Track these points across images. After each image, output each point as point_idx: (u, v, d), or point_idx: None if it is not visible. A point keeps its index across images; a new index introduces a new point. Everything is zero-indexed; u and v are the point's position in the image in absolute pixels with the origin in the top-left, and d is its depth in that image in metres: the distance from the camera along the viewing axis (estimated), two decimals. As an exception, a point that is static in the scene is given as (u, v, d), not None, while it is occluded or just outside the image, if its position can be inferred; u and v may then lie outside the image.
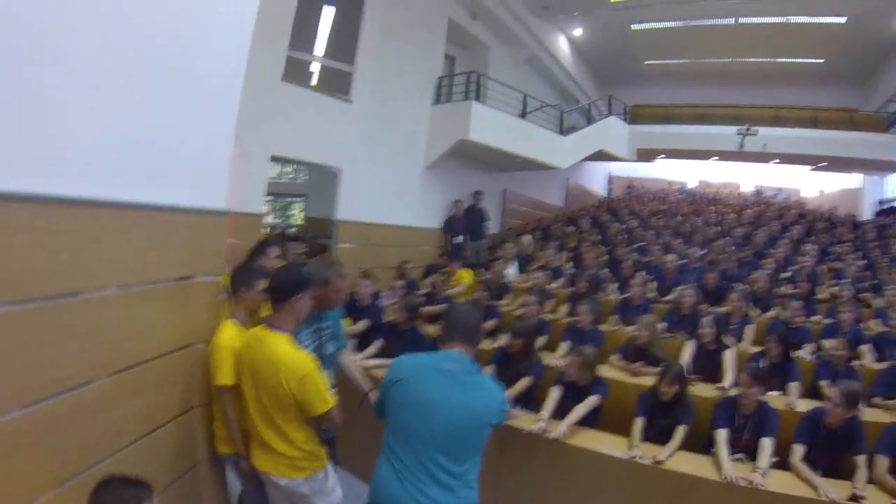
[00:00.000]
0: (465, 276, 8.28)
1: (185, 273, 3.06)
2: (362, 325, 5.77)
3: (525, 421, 4.08)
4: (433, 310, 6.92)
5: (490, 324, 6.31)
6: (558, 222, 13.56)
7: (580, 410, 4.07)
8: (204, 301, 3.28)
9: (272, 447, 2.70)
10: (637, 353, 5.27)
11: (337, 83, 8.60)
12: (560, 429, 3.88)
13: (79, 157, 2.23)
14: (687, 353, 5.32)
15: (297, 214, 13.46)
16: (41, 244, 2.08)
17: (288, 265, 3.52)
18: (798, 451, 3.80)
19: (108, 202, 2.39)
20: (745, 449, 3.94)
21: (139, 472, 2.04)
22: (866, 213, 17.60)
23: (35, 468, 2.10)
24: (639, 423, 4.08)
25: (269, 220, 12.72)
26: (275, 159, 7.98)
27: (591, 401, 4.14)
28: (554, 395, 4.31)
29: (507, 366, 4.75)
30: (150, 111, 2.63)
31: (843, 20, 13.54)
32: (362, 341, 5.76)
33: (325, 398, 2.64)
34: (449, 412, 2.24)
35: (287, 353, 2.63)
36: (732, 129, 15.12)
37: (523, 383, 4.52)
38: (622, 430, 4.14)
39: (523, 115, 11.56)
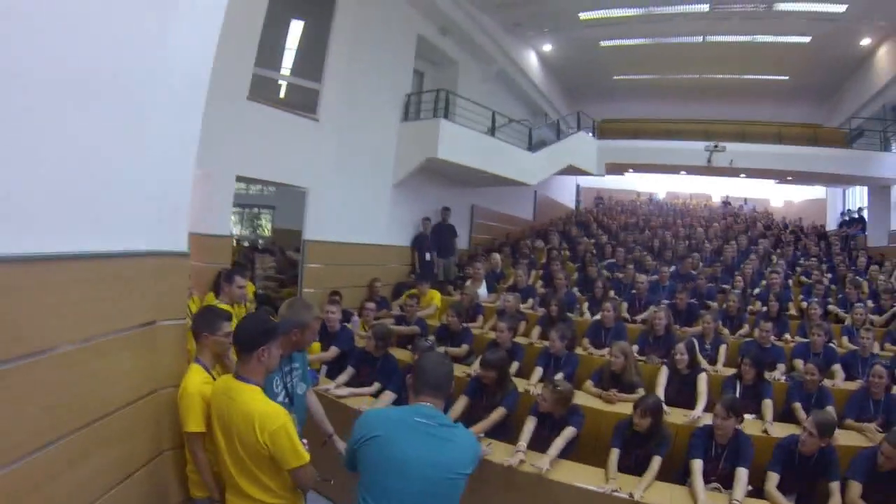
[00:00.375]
0: (434, 297, 8.20)
1: (148, 319, 2.91)
2: (332, 351, 5.62)
3: (501, 453, 3.99)
4: (404, 331, 6.85)
5: (464, 349, 6.26)
6: (527, 238, 13.53)
7: (559, 444, 3.99)
8: (169, 345, 3.12)
9: (248, 494, 2.57)
10: (611, 379, 5.21)
11: (304, 101, 8.50)
12: (542, 464, 3.79)
13: (19, 211, 2.07)
14: (662, 379, 5.30)
15: (265, 225, 13.25)
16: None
17: (254, 314, 3.39)
18: (773, 478, 3.82)
19: (58, 255, 2.25)
20: (721, 478, 3.90)
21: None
22: (830, 222, 18.08)
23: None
24: (614, 455, 4.01)
25: (237, 231, 12.49)
26: (240, 179, 7.85)
27: (568, 433, 4.07)
28: (529, 426, 4.23)
29: (481, 396, 4.63)
30: (96, 152, 2.47)
31: (807, 39, 13.84)
32: (332, 367, 5.65)
33: (300, 452, 2.52)
34: (424, 469, 2.19)
35: (259, 407, 2.51)
36: (700, 145, 15.31)
37: (498, 414, 4.40)
38: (598, 458, 4.08)
39: (492, 131, 11.57)
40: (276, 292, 9.17)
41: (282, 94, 8.71)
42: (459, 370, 5.11)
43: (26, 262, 2.09)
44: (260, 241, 12.23)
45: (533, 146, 13.58)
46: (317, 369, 5.53)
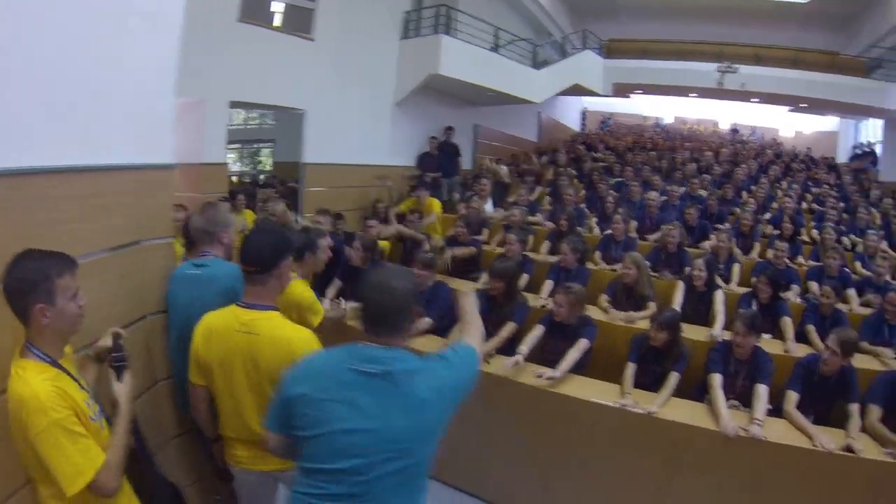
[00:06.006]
0: (434, 206, 8.03)
1: (130, 239, 2.64)
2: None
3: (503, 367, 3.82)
4: (407, 233, 6.86)
5: (471, 249, 6.14)
6: (533, 156, 13.20)
7: (572, 356, 3.82)
8: (157, 267, 2.86)
9: None
10: (625, 293, 5.06)
11: (298, 21, 8.21)
12: (552, 373, 3.63)
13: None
14: (678, 295, 5.15)
15: (266, 161, 13.08)
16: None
17: (264, 226, 3.11)
18: (792, 398, 3.68)
19: (51, 168, 2.02)
20: (740, 395, 3.77)
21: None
22: (841, 156, 17.65)
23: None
24: (630, 370, 3.87)
25: (238, 168, 12.24)
26: (235, 105, 7.69)
27: (582, 344, 3.91)
28: (535, 333, 4.08)
29: (490, 310, 4.39)
30: (74, 67, 2.18)
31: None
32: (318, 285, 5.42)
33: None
34: (376, 443, 1.62)
35: (294, 331, 2.21)
36: (712, 66, 14.83)
37: (507, 330, 4.20)
38: (612, 374, 3.92)
39: (495, 48, 11.24)
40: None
41: (274, 14, 8.33)
42: (467, 287, 4.93)
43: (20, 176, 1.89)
44: (261, 176, 12.07)
45: (537, 65, 13.12)
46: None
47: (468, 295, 2.24)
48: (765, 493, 3.33)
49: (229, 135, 7.48)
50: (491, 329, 4.11)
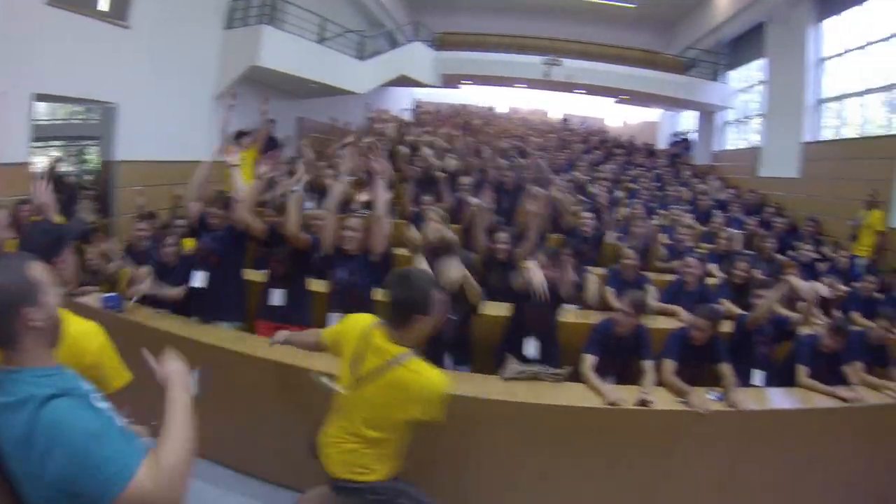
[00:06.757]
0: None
1: None
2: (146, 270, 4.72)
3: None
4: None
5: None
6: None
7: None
8: None
9: None
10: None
11: (114, 7, 7.59)
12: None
13: None
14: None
15: (93, 160, 11.72)
16: None
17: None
18: (588, 360, 3.73)
19: None
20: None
21: None
22: (662, 143, 19.18)
23: None
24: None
25: (64, 168, 11.01)
26: (41, 98, 6.94)
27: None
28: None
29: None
30: None
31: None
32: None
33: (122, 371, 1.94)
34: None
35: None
36: (538, 59, 15.51)
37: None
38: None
39: (322, 40, 11.10)
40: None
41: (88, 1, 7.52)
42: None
43: None
44: (86, 176, 10.73)
45: (365, 57, 13.10)
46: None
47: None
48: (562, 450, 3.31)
49: (51, 131, 6.62)
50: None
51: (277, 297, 4.12)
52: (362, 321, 2.41)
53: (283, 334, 2.95)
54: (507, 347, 3.84)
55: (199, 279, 4.02)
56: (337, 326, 2.59)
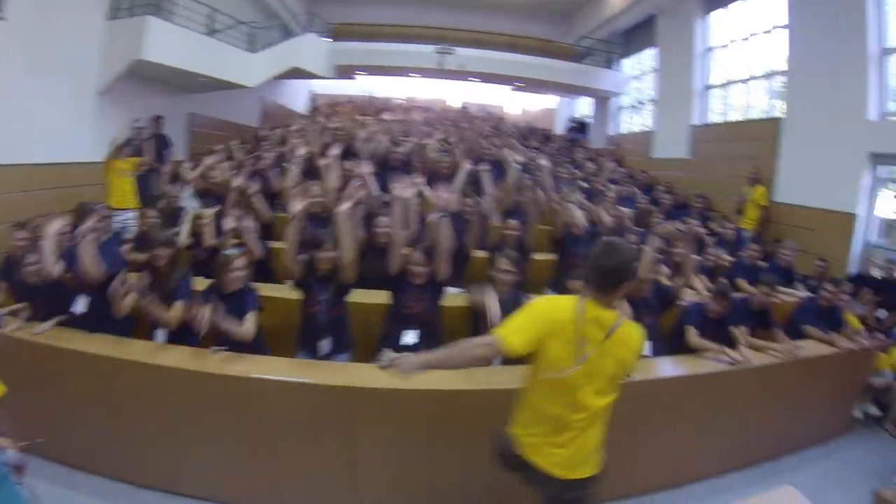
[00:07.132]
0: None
1: None
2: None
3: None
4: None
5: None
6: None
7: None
8: None
9: None
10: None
11: None
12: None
13: None
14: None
15: None
16: None
17: None
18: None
19: None
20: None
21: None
22: (559, 129, 19.55)
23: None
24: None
25: None
26: None
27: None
28: None
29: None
30: None
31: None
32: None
33: None
34: None
35: None
36: (431, 48, 15.50)
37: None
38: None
39: (212, 32, 10.45)
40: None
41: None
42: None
43: None
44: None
45: (256, 49, 12.43)
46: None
47: None
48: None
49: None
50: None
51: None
52: (560, 304, 2.32)
53: (414, 358, 2.30)
54: (385, 336, 3.66)
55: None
56: (525, 325, 2.27)
